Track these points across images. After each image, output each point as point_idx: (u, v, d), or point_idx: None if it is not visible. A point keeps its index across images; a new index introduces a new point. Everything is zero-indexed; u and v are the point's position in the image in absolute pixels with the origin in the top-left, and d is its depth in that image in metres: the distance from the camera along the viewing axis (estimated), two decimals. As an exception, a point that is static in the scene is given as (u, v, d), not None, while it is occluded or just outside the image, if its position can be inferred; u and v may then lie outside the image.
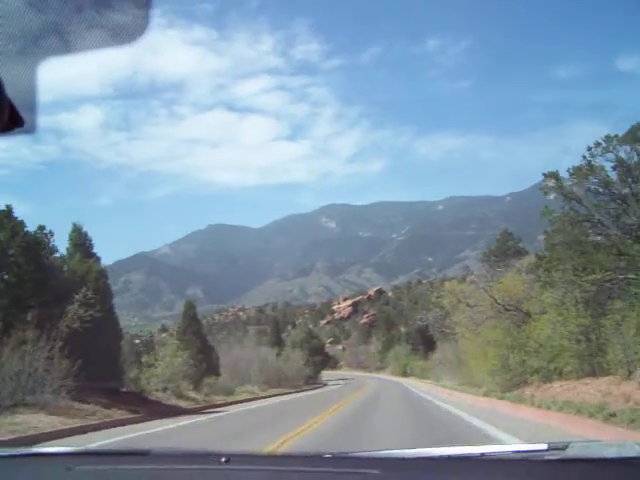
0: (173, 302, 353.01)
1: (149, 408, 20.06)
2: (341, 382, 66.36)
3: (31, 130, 1.32)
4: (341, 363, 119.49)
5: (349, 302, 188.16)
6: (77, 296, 18.70)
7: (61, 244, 21.64)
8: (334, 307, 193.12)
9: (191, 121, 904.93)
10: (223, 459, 1.96)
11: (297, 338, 72.49)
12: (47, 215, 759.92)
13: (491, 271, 30.51)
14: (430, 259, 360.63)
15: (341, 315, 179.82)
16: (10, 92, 1.16)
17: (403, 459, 2.04)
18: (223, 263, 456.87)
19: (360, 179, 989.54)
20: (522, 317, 25.49)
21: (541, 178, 21.59)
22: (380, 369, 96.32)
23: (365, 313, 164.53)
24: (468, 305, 29.52)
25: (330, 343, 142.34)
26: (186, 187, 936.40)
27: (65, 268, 21.56)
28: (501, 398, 23.16)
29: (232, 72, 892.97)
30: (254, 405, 26.78)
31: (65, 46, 1.39)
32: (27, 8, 1.33)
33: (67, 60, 1.42)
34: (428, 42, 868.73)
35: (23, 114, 1.24)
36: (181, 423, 17.25)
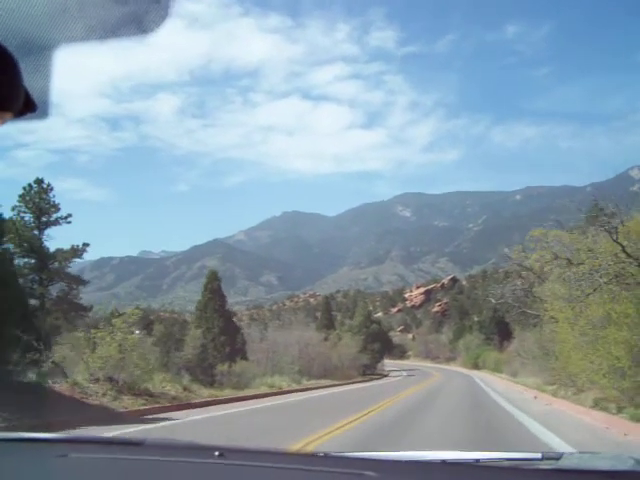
0: (247, 288, 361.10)
1: (32, 409, 12.54)
2: (404, 373, 59.93)
3: (43, 115, 1.31)
4: (409, 353, 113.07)
5: (422, 290, 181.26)
6: None
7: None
8: (406, 295, 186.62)
9: (266, 109, 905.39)
10: (217, 453, 1.97)
11: (354, 322, 64.82)
12: (124, 200, 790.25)
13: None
14: (506, 250, 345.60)
15: (413, 303, 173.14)
16: (26, 79, 1.16)
17: (398, 462, 1.99)
18: (297, 250, 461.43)
19: (435, 168, 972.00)
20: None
21: (625, 168, 15.40)
22: (450, 360, 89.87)
23: (438, 301, 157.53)
24: (569, 262, 19.35)
25: (400, 331, 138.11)
26: (261, 174, 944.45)
27: None
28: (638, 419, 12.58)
29: (307, 60, 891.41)
30: (259, 405, 19.39)
31: (84, 33, 1.34)
32: None
33: (84, 47, 1.36)
34: (506, 28, 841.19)
35: (36, 100, 1.23)
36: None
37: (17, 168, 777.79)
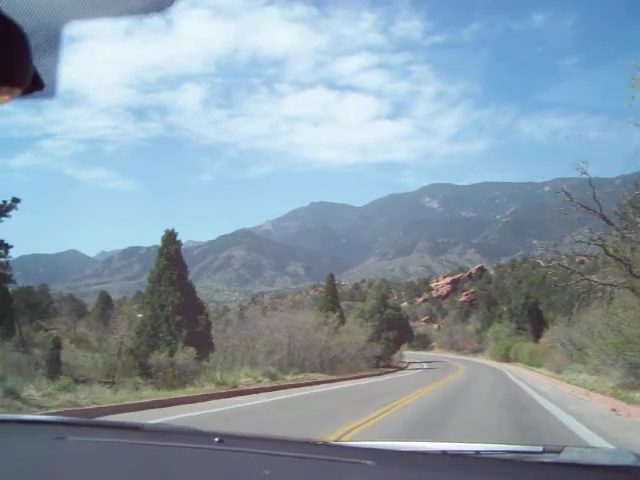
0: (274, 278, 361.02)
1: None
2: (425, 366, 53.85)
3: (50, 94, 1.32)
4: (433, 343, 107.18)
5: (448, 280, 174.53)
6: None
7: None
8: (432, 284, 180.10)
9: (292, 99, 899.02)
10: (216, 439, 1.96)
11: (366, 306, 56.75)
12: (151, 190, 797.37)
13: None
14: (535, 242, 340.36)
15: (439, 293, 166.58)
16: (35, 57, 1.18)
17: (398, 452, 1.98)
18: (324, 240, 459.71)
19: (463, 159, 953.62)
20: None
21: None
22: (477, 351, 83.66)
23: (464, 291, 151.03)
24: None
25: (425, 321, 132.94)
26: (288, 164, 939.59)
27: None
28: None
29: (332, 50, 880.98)
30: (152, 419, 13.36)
31: (95, 10, 1.31)
32: None
33: (90, 24, 1.35)
34: (533, 17, 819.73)
35: (45, 78, 1.25)
36: None
37: (44, 158, 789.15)
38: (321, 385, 26.01)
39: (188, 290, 27.33)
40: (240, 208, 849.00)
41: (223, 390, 18.79)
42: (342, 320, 43.09)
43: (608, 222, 17.44)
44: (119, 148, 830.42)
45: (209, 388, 19.24)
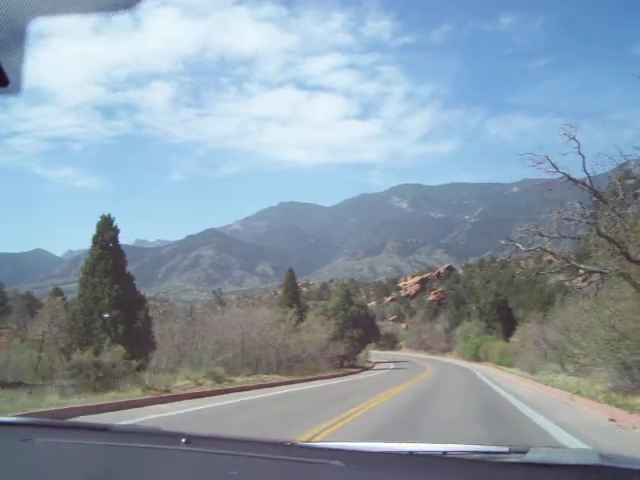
0: (242, 278, 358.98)
1: None
2: (391, 366, 51.44)
3: (16, 91, 1.32)
4: (401, 343, 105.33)
5: (417, 279, 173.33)
6: None
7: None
8: (400, 284, 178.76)
9: (261, 98, 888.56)
10: (183, 440, 1.95)
11: (330, 304, 53.34)
12: (119, 189, 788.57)
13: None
14: (503, 242, 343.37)
15: (407, 293, 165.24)
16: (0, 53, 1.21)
17: (365, 452, 1.97)
18: (293, 240, 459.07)
19: (432, 159, 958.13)
20: None
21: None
22: (445, 351, 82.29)
23: (433, 290, 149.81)
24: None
25: (393, 321, 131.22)
26: (257, 164, 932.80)
27: None
28: None
29: (301, 49, 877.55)
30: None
31: (62, 6, 1.30)
32: None
33: (56, 19, 1.33)
34: (501, 19, 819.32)
35: (9, 75, 1.26)
36: None
37: (11, 156, 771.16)
38: (273, 388, 23.05)
39: (127, 282, 24.30)
40: (209, 208, 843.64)
41: (149, 396, 15.80)
42: (301, 317, 40.10)
43: (600, 199, 14.91)
44: (87, 146, 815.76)
45: (135, 393, 16.30)
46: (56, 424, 2.69)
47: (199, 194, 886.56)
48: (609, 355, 14.68)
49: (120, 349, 19.05)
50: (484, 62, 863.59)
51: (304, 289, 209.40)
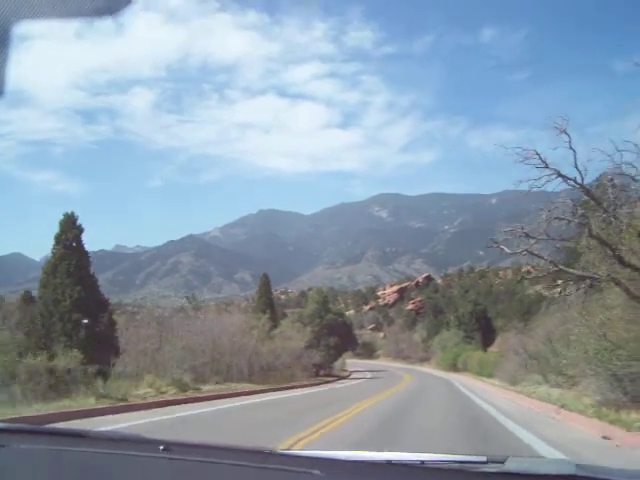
0: (221, 285, 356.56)
1: None
2: (368, 375, 50.37)
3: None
4: (378, 352, 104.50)
5: (395, 288, 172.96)
6: None
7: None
8: (379, 293, 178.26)
9: (242, 105, 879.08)
10: (162, 447, 1.95)
11: (306, 311, 52.37)
12: (99, 194, 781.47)
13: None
14: (482, 253, 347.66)
15: (386, 301, 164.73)
16: None
17: (345, 461, 1.97)
18: (273, 248, 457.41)
19: (412, 169, 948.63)
20: None
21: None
22: (423, 360, 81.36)
23: (411, 299, 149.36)
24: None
25: (371, 330, 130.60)
26: (237, 171, 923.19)
27: None
28: None
29: (283, 57, 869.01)
30: None
31: (45, 9, 1.29)
32: None
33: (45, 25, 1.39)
34: (483, 32, 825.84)
35: None
36: None
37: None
38: (242, 397, 21.59)
39: (90, 284, 22.93)
40: (188, 214, 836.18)
41: (101, 406, 14.48)
42: (275, 324, 38.84)
43: (593, 198, 13.93)
44: (67, 151, 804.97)
45: (88, 402, 14.97)
46: (33, 430, 2.63)
47: (179, 200, 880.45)
48: (599, 366, 13.61)
49: (76, 354, 17.73)
50: (466, 73, 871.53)
51: (282, 297, 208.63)
